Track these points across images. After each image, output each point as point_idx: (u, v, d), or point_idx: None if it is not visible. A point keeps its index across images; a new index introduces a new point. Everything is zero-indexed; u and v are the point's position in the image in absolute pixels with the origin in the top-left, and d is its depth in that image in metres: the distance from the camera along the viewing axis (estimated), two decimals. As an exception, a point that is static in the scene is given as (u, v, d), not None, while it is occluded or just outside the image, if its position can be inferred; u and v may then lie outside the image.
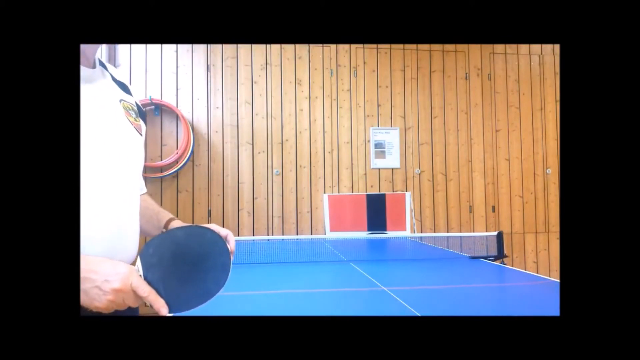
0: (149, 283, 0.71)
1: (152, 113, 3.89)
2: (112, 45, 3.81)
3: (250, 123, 4.02)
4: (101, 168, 0.81)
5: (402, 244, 3.16)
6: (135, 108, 0.97)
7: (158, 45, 3.90)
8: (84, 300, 0.67)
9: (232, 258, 0.81)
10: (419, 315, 1.21)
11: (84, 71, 0.82)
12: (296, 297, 1.49)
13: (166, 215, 1.04)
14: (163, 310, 0.71)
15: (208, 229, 0.79)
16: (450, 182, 4.28)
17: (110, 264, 0.69)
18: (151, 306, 0.71)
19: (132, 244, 0.89)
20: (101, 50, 3.53)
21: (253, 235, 3.93)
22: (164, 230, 1.00)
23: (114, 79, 0.93)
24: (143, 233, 1.00)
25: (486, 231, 4.18)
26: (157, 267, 0.73)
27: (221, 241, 0.79)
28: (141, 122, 0.97)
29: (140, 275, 0.72)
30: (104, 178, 0.82)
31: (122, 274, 0.68)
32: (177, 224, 1.00)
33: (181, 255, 0.75)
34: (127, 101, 0.93)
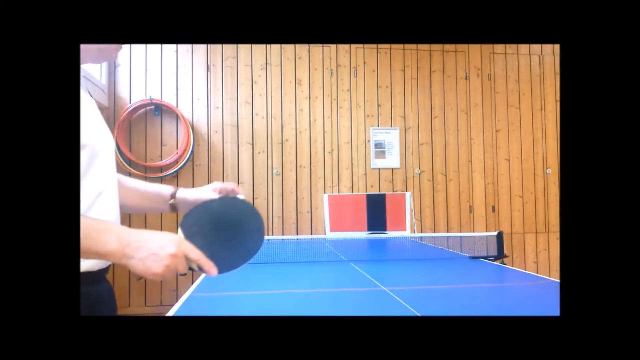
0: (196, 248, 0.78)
1: (152, 113, 3.89)
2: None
3: (250, 123, 4.02)
4: (96, 168, 0.85)
5: (402, 244, 3.16)
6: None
7: (158, 45, 3.90)
8: (141, 269, 0.71)
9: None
10: (419, 315, 1.21)
11: None
12: (296, 297, 1.49)
13: (165, 188, 1.11)
14: (213, 270, 0.78)
15: (238, 198, 0.91)
16: (450, 182, 4.28)
17: (158, 233, 0.75)
18: (200, 269, 0.77)
19: None
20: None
21: (253, 235, 3.92)
22: (172, 200, 1.09)
23: None
24: (151, 211, 1.13)
25: (486, 231, 4.18)
26: (198, 235, 0.80)
27: (252, 207, 0.89)
28: None
29: None
30: (99, 176, 0.86)
31: (176, 240, 0.74)
32: (183, 191, 1.09)
33: (220, 223, 0.83)
34: (97, 105, 0.97)
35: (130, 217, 3.79)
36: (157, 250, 0.71)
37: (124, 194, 1.07)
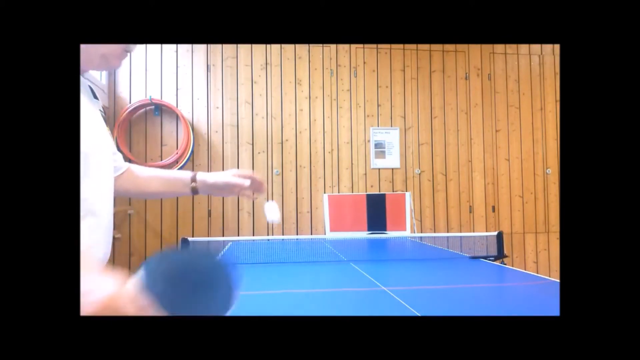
0: (148, 300, 0.65)
1: (152, 113, 3.89)
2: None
3: (250, 123, 4.02)
4: (93, 177, 0.84)
5: (402, 244, 3.16)
6: (103, 113, 0.99)
7: (158, 45, 3.90)
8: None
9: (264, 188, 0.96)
10: (419, 315, 1.21)
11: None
12: (296, 297, 1.49)
13: (185, 172, 1.12)
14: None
15: (211, 254, 0.77)
16: (450, 182, 4.28)
17: (96, 274, 0.63)
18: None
19: (110, 241, 0.93)
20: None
21: (253, 235, 3.93)
22: (194, 184, 1.09)
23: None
24: (172, 196, 1.15)
25: (486, 231, 4.18)
26: (157, 285, 0.67)
27: (225, 266, 0.76)
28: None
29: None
30: (95, 186, 0.85)
31: (111, 287, 0.61)
32: (203, 174, 1.10)
33: (183, 277, 0.70)
34: (102, 110, 0.95)
35: (130, 219, 3.79)
36: (83, 293, 0.59)
37: (144, 182, 1.11)
